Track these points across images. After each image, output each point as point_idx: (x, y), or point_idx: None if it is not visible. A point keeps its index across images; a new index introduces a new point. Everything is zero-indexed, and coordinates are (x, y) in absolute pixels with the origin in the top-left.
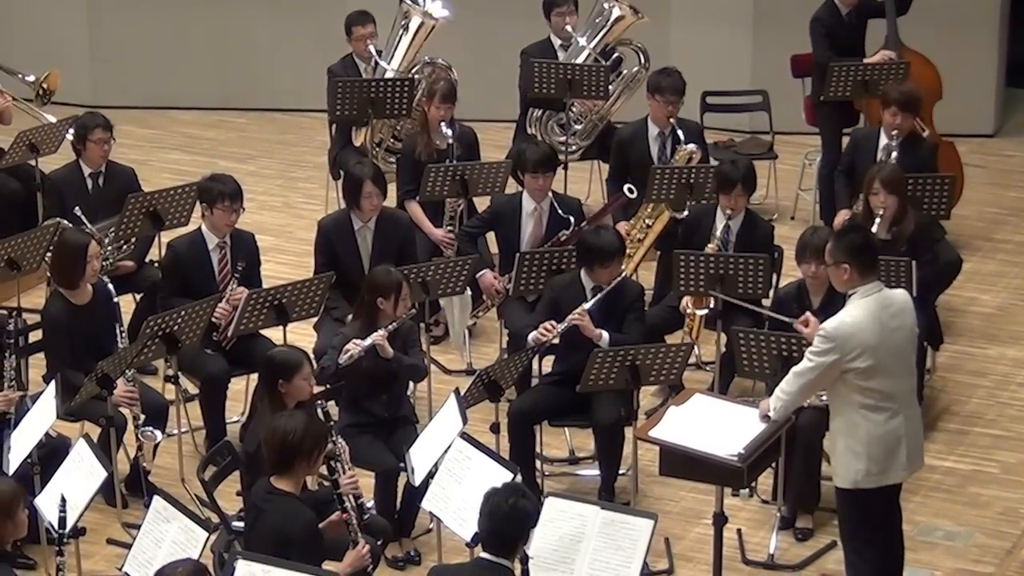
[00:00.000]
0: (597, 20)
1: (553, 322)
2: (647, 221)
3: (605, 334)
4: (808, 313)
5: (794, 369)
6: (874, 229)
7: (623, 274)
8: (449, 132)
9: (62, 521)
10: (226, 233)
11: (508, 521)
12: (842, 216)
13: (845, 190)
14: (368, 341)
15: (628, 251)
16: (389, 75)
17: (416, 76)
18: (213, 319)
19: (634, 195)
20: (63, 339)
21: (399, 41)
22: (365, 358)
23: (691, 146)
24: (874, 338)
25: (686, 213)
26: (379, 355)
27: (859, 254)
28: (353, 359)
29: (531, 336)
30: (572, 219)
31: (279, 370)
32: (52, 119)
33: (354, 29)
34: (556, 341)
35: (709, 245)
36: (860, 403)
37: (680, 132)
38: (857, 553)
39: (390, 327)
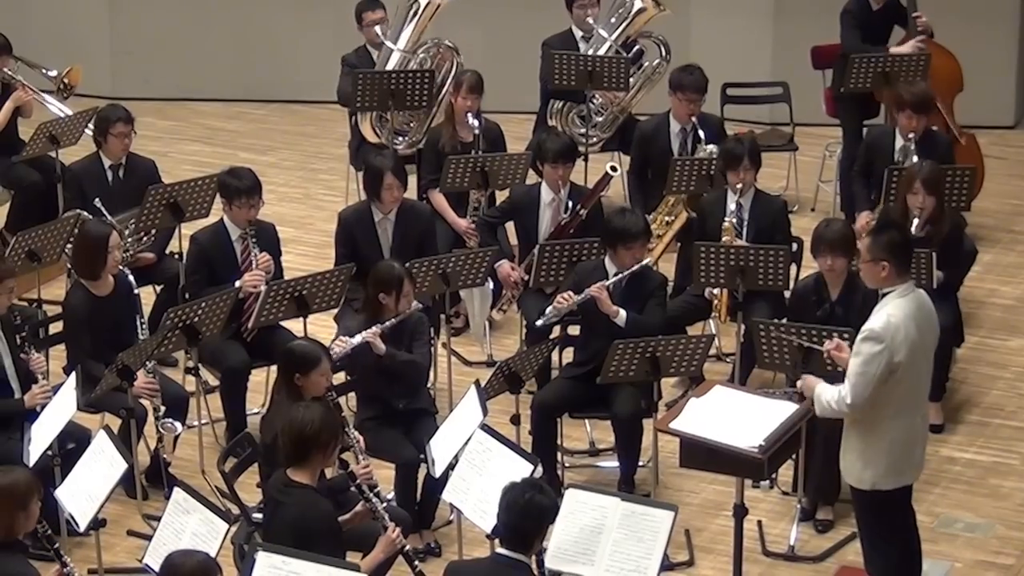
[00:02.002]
0: (619, 12)
1: (571, 292)
2: (667, 218)
3: (623, 311)
4: (836, 339)
5: (842, 392)
6: (912, 229)
7: (646, 262)
8: (476, 123)
9: None
10: (247, 225)
11: (524, 516)
12: (864, 218)
13: (864, 191)
14: (358, 338)
15: (648, 245)
16: (395, 55)
17: (420, 56)
18: (251, 288)
19: (616, 172)
20: (84, 330)
21: (405, 20)
22: (365, 354)
23: (711, 147)
24: (915, 336)
25: None
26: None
27: (898, 252)
28: (338, 357)
29: (549, 308)
30: (570, 202)
31: (297, 363)
32: (66, 111)
33: (364, 15)
34: (573, 331)
35: (724, 222)
36: (884, 404)
37: (701, 132)
38: (876, 548)
39: (388, 323)
